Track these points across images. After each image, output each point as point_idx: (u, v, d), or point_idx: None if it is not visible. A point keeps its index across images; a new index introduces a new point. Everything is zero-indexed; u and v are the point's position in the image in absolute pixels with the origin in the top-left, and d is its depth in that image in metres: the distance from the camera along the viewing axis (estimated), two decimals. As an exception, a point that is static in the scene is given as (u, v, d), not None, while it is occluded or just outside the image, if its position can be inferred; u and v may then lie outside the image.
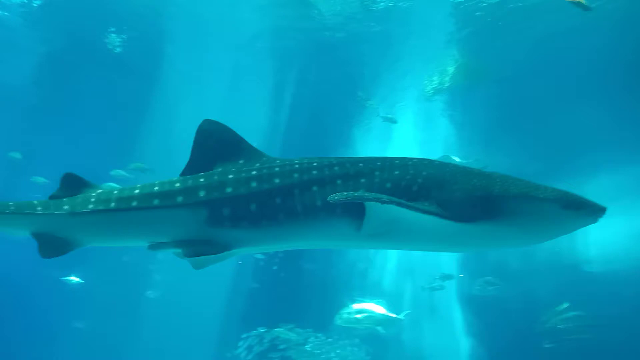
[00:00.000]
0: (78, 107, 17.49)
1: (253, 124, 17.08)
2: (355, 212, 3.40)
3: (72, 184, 4.03)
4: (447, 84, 15.40)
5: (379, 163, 3.66)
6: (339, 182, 3.58)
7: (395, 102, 16.35)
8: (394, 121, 15.43)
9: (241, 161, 3.88)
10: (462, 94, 15.73)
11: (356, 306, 11.11)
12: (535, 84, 14.48)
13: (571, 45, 13.19)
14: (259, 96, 17.10)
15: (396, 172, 3.56)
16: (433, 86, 15.75)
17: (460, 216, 3.29)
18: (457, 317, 16.27)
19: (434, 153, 15.33)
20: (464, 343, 15.72)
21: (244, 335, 13.11)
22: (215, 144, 3.96)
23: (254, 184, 3.64)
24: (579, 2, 9.34)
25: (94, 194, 3.88)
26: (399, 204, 3.15)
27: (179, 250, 3.71)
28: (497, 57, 14.15)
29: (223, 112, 16.99)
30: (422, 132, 17.75)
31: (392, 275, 16.96)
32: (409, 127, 16.87)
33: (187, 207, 3.65)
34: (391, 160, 3.69)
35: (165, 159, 17.68)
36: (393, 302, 15.30)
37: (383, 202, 3.12)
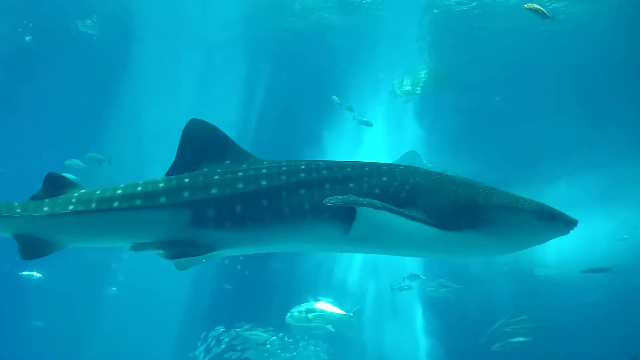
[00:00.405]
0: (41, 95, 16.91)
1: (223, 119, 16.89)
2: (343, 216, 3.43)
3: (56, 184, 3.93)
4: (418, 89, 15.64)
5: (367, 168, 3.70)
6: (327, 185, 3.58)
7: (366, 105, 16.48)
8: (369, 124, 15.56)
9: (227, 162, 3.84)
10: (432, 100, 16.00)
11: (307, 305, 11.02)
12: (501, 93, 14.89)
13: (536, 56, 13.64)
14: (230, 91, 16.95)
15: (384, 179, 3.61)
16: (404, 90, 15.97)
17: (446, 224, 3.39)
18: (418, 317, 16.54)
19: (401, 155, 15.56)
20: (424, 343, 16.00)
21: (202, 335, 12.90)
22: (202, 144, 3.90)
23: (239, 185, 3.61)
24: (538, 9, 9.69)
25: (75, 195, 3.81)
26: (391, 211, 3.21)
27: (162, 252, 3.64)
28: (465, 64, 14.47)
29: (192, 105, 16.85)
30: (392, 136, 17.94)
31: (356, 275, 17.08)
32: (378, 130, 17.02)
33: (170, 208, 3.61)
34: (379, 166, 3.74)
35: (132, 150, 17.37)
36: (356, 302, 15.46)
37: (377, 208, 3.18)
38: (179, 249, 3.57)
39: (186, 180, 3.70)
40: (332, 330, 11.35)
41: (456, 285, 13.20)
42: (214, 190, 3.60)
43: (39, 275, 15.73)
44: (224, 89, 16.80)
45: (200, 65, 16.29)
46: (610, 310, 15.27)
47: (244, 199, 3.56)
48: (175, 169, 3.84)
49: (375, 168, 3.71)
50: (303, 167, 3.70)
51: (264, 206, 3.53)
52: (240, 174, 3.67)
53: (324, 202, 3.22)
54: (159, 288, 17.47)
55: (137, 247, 3.72)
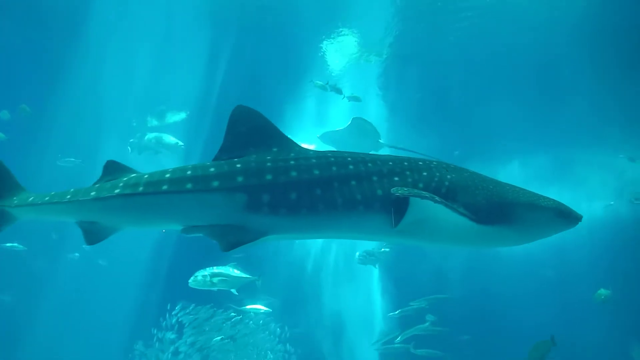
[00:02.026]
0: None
1: (183, 88, 16.57)
2: (391, 208, 3.62)
3: (114, 171, 4.07)
4: (381, 59, 15.74)
5: (406, 163, 3.92)
6: (375, 178, 3.76)
7: (329, 79, 16.46)
8: (359, 100, 15.61)
9: (274, 149, 3.95)
10: (396, 75, 16.16)
11: (211, 269, 10.96)
12: (461, 73, 15.23)
13: (497, 37, 13.97)
14: (192, 60, 16.53)
15: (424, 174, 3.83)
16: (368, 65, 16.03)
17: (482, 218, 3.68)
18: (375, 285, 17.10)
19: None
20: (379, 309, 16.59)
21: (159, 320, 12.64)
22: (248, 131, 4.01)
23: (293, 174, 3.73)
24: None
25: (124, 179, 3.91)
26: (446, 206, 3.45)
27: (215, 241, 3.70)
28: (429, 41, 14.64)
29: (153, 72, 16.37)
30: (355, 111, 18.06)
31: (317, 244, 17.35)
32: (341, 105, 17.11)
33: (224, 192, 3.70)
34: (415, 160, 3.98)
35: (88, 114, 16.82)
36: (316, 267, 15.64)
37: (436, 202, 3.39)
38: (231, 236, 3.65)
39: (238, 165, 3.80)
40: (236, 294, 11.42)
41: (376, 259, 13.78)
42: (268, 177, 3.71)
43: (21, 247, 15.07)
44: (185, 56, 16.39)
45: (162, 31, 15.79)
46: (555, 284, 16.15)
47: (299, 187, 3.69)
48: (222, 155, 3.96)
49: (413, 163, 3.93)
50: (349, 159, 3.87)
51: (317, 195, 3.67)
52: (292, 162, 3.81)
53: (392, 190, 3.45)
54: (120, 262, 17.31)
55: (188, 230, 3.80)
